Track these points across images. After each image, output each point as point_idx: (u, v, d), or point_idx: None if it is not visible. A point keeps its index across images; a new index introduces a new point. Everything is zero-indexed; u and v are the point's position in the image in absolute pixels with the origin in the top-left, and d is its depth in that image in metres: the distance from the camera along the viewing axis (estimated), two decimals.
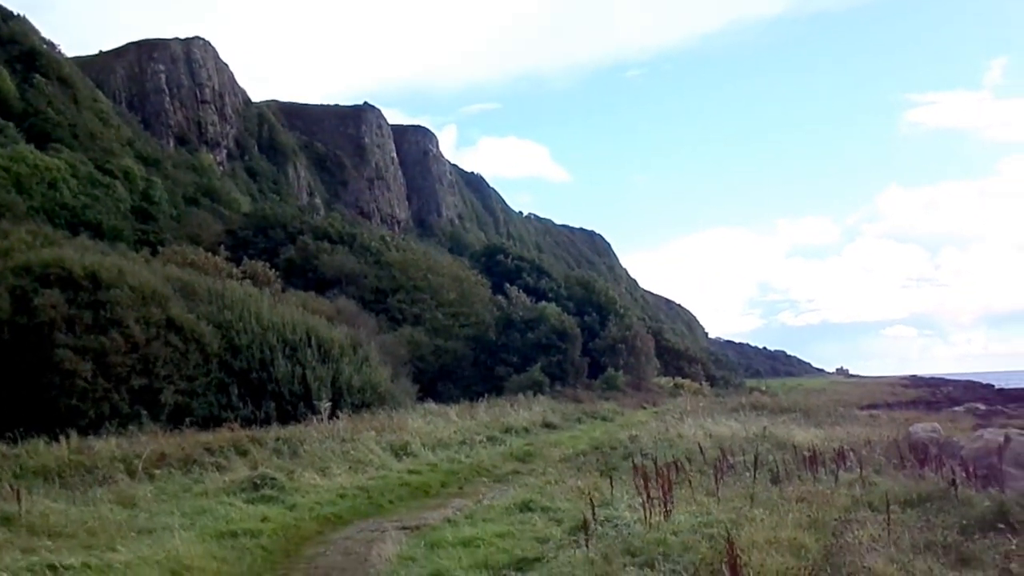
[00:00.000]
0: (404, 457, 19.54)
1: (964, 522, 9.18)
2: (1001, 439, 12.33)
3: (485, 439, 23.62)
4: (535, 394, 37.52)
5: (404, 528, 12.29)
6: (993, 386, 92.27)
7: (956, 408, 42.70)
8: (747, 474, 13.28)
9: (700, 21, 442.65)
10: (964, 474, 11.25)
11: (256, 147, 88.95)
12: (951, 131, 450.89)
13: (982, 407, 44.31)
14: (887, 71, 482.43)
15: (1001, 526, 8.85)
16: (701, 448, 16.73)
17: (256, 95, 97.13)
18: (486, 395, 34.23)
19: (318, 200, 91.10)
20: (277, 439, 19.07)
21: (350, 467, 17.45)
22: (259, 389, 24.60)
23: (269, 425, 21.70)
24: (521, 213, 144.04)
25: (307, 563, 10.67)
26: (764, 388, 70.53)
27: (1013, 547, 8.06)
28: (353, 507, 14.48)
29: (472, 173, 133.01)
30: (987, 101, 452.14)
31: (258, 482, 14.88)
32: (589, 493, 12.60)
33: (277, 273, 41.03)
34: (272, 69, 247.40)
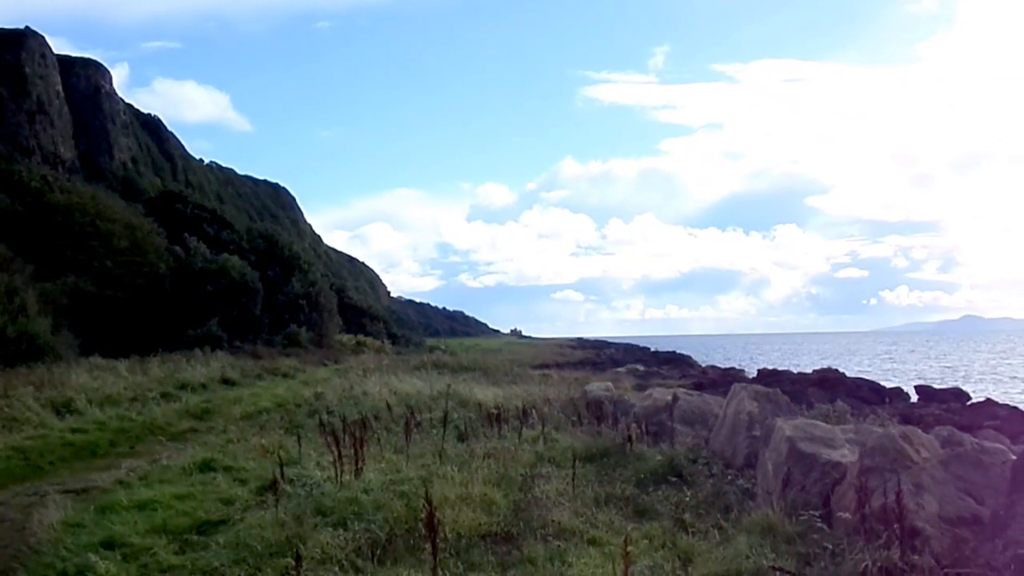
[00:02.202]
0: (67, 415, 17.95)
1: (640, 476, 9.82)
2: (669, 398, 13.36)
3: (159, 396, 22.31)
4: (213, 349, 36.13)
5: (69, 492, 11.20)
6: (649, 349, 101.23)
7: (619, 369, 46.25)
8: (435, 431, 13.46)
9: None
10: (638, 430, 12.07)
11: None
12: (623, 109, 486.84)
13: (641, 368, 48.39)
14: (569, 46, 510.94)
15: (673, 479, 9.55)
16: (388, 406, 16.78)
17: None
18: (160, 350, 32.34)
19: None
20: None
21: (3, 426, 15.77)
22: None
23: None
24: (202, 161, 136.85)
25: None
26: (444, 347, 72.45)
27: (686, 498, 8.71)
28: (7, 470, 13.06)
29: (149, 115, 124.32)
30: (653, 85, 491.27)
31: None
32: (275, 451, 12.23)
33: None
34: None
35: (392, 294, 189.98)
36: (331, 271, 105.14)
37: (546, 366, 47.97)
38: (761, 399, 10.98)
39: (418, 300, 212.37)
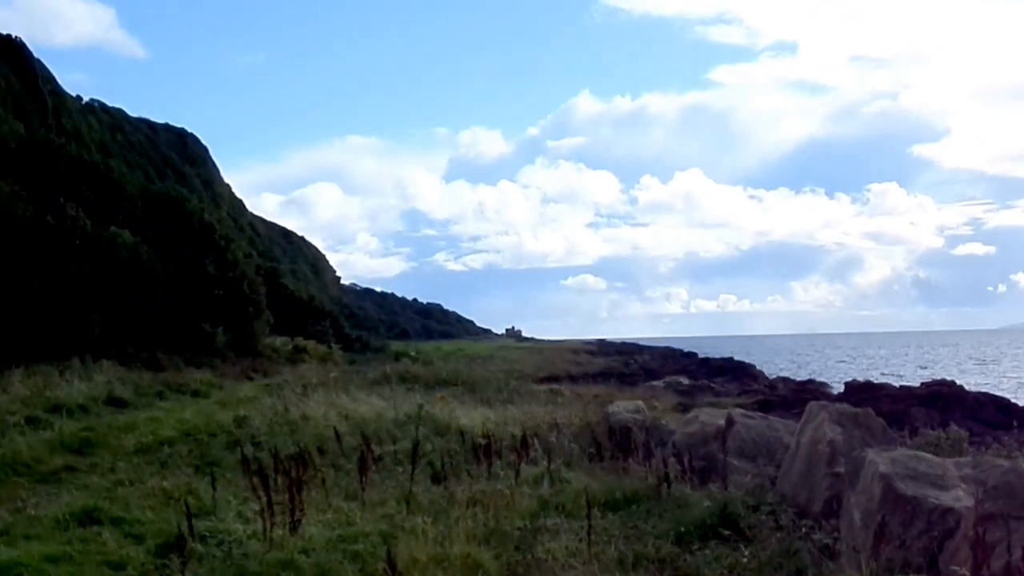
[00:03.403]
0: None
1: (681, 528, 9.85)
2: (721, 422, 13.39)
3: (22, 421, 22.37)
4: (96, 358, 36.17)
5: None
6: (696, 354, 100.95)
7: (655, 383, 46.31)
8: (401, 469, 13.53)
9: None
10: (679, 466, 12.10)
11: None
12: (659, 24, 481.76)
13: (685, 381, 48.43)
14: None
15: (726, 532, 9.58)
16: (337, 434, 16.86)
17: None
18: (23, 359, 32.38)
19: None
20: None
21: None
22: None
23: None
24: (80, 99, 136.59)
25: None
26: (415, 354, 72.49)
27: (744, 559, 8.73)
28: None
29: (8, 37, 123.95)
30: None
31: None
32: (181, 498, 12.29)
33: None
34: None
35: (343, 281, 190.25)
36: (258, 249, 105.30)
37: (555, 379, 48.15)
38: (848, 423, 11.02)
39: (379, 289, 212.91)
